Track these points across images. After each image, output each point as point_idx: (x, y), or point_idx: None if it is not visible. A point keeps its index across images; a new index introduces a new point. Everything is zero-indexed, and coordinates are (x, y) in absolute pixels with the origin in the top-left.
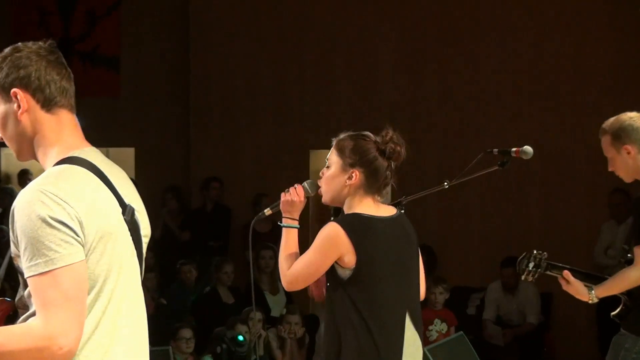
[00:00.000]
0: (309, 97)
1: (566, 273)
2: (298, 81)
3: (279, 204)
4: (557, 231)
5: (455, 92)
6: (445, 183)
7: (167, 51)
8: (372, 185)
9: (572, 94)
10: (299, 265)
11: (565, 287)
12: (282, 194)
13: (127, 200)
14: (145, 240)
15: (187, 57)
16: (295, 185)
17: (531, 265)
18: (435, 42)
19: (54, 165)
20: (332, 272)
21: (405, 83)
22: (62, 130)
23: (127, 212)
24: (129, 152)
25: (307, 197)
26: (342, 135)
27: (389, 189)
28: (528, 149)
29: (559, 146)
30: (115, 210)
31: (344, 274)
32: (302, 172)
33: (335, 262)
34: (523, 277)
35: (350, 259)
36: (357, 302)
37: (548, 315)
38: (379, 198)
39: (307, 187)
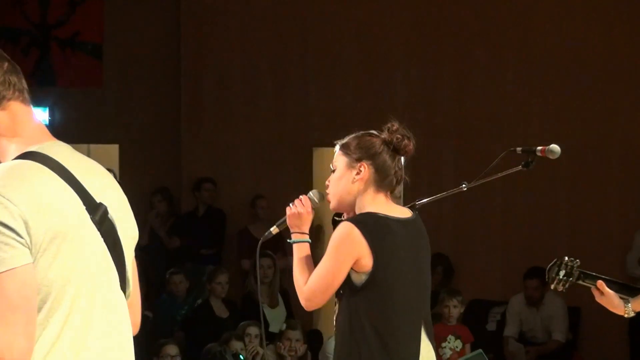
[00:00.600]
0: (313, 89)
1: (600, 283)
2: (301, 71)
3: (285, 220)
4: (587, 239)
5: (475, 85)
6: (464, 185)
7: (155, 38)
8: (383, 180)
9: (604, 87)
10: (314, 277)
11: (598, 299)
12: (288, 208)
13: (98, 198)
14: (127, 243)
15: (178, 45)
16: (301, 197)
17: (562, 273)
18: (453, 30)
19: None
20: (345, 279)
21: (420, 74)
22: (18, 125)
23: (96, 210)
24: (113, 150)
25: (314, 208)
26: (345, 138)
27: (401, 188)
28: (555, 147)
29: (589, 145)
30: (76, 209)
31: (359, 279)
32: (304, 172)
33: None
34: (552, 287)
35: (366, 261)
36: (372, 312)
37: (576, 332)
38: (391, 197)
39: (313, 197)
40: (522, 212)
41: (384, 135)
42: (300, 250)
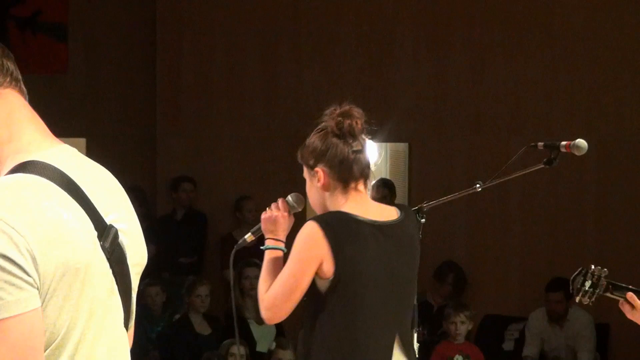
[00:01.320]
0: (307, 78)
1: (631, 296)
2: (293, 57)
3: (260, 227)
4: (616, 246)
5: (490, 73)
6: (478, 185)
7: (128, 18)
8: (343, 175)
9: (637, 78)
10: (276, 283)
11: (629, 314)
12: (263, 212)
13: (109, 219)
14: (136, 271)
15: (154, 27)
16: (279, 200)
17: (588, 284)
18: (466, 10)
19: (7, 173)
20: (310, 285)
21: (428, 60)
22: (14, 123)
23: (106, 235)
24: (79, 144)
25: (295, 214)
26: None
27: (372, 178)
28: (581, 142)
29: (619, 142)
30: (88, 236)
31: (322, 286)
32: (296, 170)
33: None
34: (578, 300)
35: (327, 267)
36: (337, 322)
37: (604, 352)
38: (362, 189)
39: (292, 201)
40: (544, 215)
41: (327, 122)
42: (270, 257)
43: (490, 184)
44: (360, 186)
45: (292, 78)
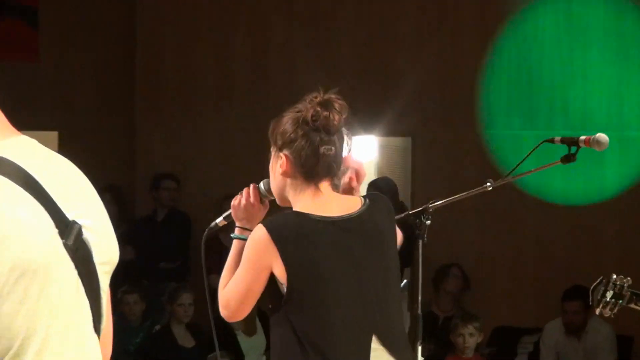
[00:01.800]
0: (301, 66)
1: None
2: (284, 45)
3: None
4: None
5: (503, 59)
6: (489, 183)
7: (104, 3)
8: (306, 170)
9: None
10: (230, 285)
11: None
12: (234, 198)
13: (71, 216)
14: (105, 270)
15: (133, 11)
16: (251, 186)
17: (609, 294)
18: None
19: None
20: (272, 288)
21: (433, 41)
22: None
23: (69, 232)
24: (51, 138)
25: (269, 200)
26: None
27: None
28: (602, 137)
29: None
30: (47, 235)
31: (283, 290)
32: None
33: (272, 274)
34: (598, 311)
35: (280, 272)
36: (298, 329)
37: None
38: (326, 186)
39: (264, 189)
40: (561, 216)
41: (301, 110)
42: (236, 248)
43: (503, 182)
44: (324, 184)
45: (284, 68)
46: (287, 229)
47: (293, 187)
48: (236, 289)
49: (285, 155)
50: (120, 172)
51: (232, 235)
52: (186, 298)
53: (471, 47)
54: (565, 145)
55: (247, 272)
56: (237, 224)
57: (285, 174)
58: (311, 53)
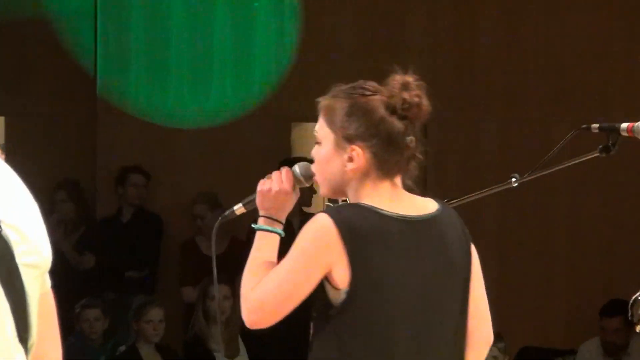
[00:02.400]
0: (290, 42)
1: None
2: (271, 15)
3: (254, 197)
4: None
5: (528, 31)
6: (513, 179)
7: None
8: (387, 164)
9: None
10: (269, 284)
11: None
12: (261, 181)
13: None
14: (33, 275)
15: None
16: (283, 169)
17: None
18: None
19: None
20: (319, 294)
21: (447, 26)
22: None
23: None
24: None
25: (301, 189)
26: (329, 93)
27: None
28: None
29: None
30: None
31: (336, 297)
32: (279, 155)
33: (325, 278)
34: (639, 328)
35: (342, 275)
36: (358, 343)
37: None
38: (398, 183)
39: (299, 173)
40: (597, 220)
41: (384, 93)
42: (262, 242)
43: (530, 178)
44: (398, 179)
45: (271, 43)
46: (359, 224)
47: (361, 183)
48: (278, 289)
49: (361, 148)
50: (78, 164)
51: (254, 225)
52: (155, 314)
53: (490, 18)
54: (604, 134)
55: (297, 269)
56: (261, 213)
57: (355, 170)
58: (302, 28)
